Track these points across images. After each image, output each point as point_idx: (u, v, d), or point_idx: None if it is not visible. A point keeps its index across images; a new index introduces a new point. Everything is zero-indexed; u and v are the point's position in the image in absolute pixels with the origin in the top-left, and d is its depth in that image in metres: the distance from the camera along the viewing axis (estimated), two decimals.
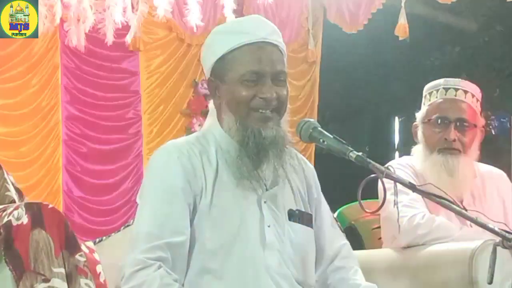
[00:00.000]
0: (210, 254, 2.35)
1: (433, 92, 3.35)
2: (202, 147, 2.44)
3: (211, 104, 2.55)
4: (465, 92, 3.31)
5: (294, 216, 2.48)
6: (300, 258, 2.45)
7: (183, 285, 2.33)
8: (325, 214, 2.63)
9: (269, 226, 2.41)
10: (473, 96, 3.32)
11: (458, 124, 3.26)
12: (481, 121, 3.35)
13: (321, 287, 2.56)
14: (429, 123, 3.31)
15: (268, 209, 2.42)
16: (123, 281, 2.31)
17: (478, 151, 3.34)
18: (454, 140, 3.25)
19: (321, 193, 2.64)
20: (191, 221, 2.36)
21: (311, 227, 2.53)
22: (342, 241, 2.64)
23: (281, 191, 2.47)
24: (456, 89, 3.31)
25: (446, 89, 3.33)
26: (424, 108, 3.36)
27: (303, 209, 2.52)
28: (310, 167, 2.64)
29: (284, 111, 2.45)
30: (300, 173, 2.57)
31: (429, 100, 3.35)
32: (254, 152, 2.38)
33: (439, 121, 3.28)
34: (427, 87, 3.40)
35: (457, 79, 3.37)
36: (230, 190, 2.39)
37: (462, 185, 3.18)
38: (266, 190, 2.44)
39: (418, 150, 3.35)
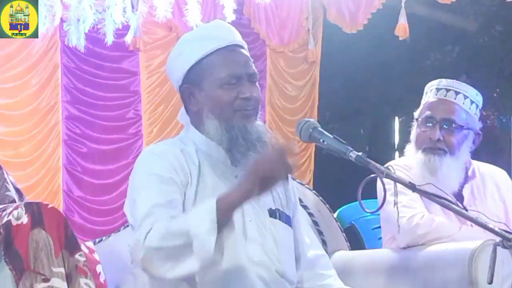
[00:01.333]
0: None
1: (428, 92, 3.37)
2: (182, 147, 2.49)
3: (183, 116, 2.57)
4: (457, 93, 3.31)
5: (274, 214, 2.53)
6: (282, 253, 2.49)
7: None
8: (303, 219, 2.72)
9: (250, 221, 2.46)
10: (465, 97, 3.31)
11: (444, 124, 3.27)
12: (476, 124, 3.33)
13: None
14: (419, 122, 3.32)
15: (249, 205, 2.44)
16: (134, 256, 2.33)
17: (469, 153, 3.34)
18: (439, 140, 3.25)
19: (297, 197, 2.69)
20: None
21: (291, 227, 2.58)
22: (320, 250, 2.71)
23: None
24: (448, 90, 3.32)
25: (438, 90, 3.33)
26: (420, 107, 3.38)
27: (282, 210, 2.56)
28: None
29: (259, 109, 2.52)
30: None
31: (424, 99, 3.37)
32: (245, 147, 2.43)
33: (427, 120, 3.29)
34: (426, 86, 3.41)
35: (452, 80, 3.37)
36: (212, 188, 2.44)
37: (446, 186, 3.16)
38: None
39: (409, 148, 3.37)
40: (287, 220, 2.57)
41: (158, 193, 2.36)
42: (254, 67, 2.52)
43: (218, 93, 2.45)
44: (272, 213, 2.52)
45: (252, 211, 2.47)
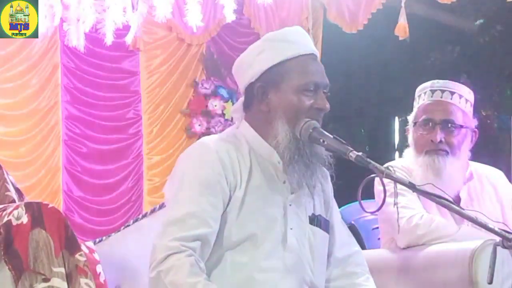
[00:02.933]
0: (233, 246, 2.39)
1: (421, 95, 3.37)
2: (236, 146, 2.48)
3: (235, 110, 2.56)
4: (452, 93, 3.31)
5: (315, 220, 2.54)
6: (316, 261, 2.51)
7: None
8: (337, 219, 2.67)
9: (291, 229, 2.47)
10: (460, 97, 3.32)
11: (444, 125, 3.27)
12: (472, 122, 3.34)
13: None
14: (417, 126, 3.32)
15: (293, 212, 2.48)
16: (153, 265, 2.32)
17: (469, 152, 3.34)
18: (440, 142, 3.25)
19: (334, 200, 2.69)
20: (223, 212, 2.40)
21: (328, 233, 2.59)
22: (355, 247, 2.67)
23: (304, 195, 2.52)
24: (443, 91, 3.32)
25: (433, 91, 3.33)
26: (413, 111, 3.38)
27: (322, 215, 2.57)
28: (326, 173, 2.66)
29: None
30: (319, 180, 2.60)
31: (418, 103, 3.37)
32: (305, 158, 2.44)
33: (425, 123, 3.29)
34: (417, 89, 3.41)
35: (445, 81, 3.37)
36: (260, 191, 2.45)
37: (449, 186, 3.17)
38: (291, 193, 2.49)
39: (408, 153, 3.36)
40: (326, 225, 2.58)
41: (195, 208, 2.36)
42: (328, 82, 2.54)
43: (295, 99, 2.46)
44: (313, 220, 2.54)
45: (295, 219, 2.48)
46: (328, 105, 2.49)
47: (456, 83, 3.38)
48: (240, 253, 2.38)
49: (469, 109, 3.34)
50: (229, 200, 2.41)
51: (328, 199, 2.64)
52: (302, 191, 2.51)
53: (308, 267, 2.47)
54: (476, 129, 3.35)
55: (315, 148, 2.45)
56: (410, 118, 3.38)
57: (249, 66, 2.53)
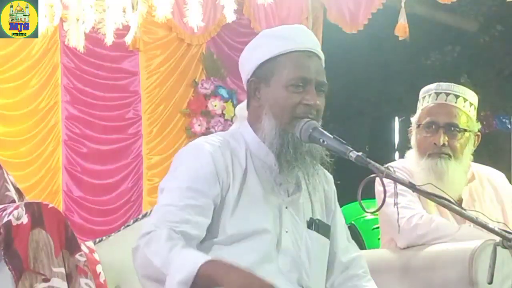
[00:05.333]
0: (227, 247, 2.37)
1: (426, 97, 3.36)
2: (232, 147, 2.46)
3: (240, 108, 2.55)
4: (457, 96, 3.31)
5: (314, 225, 2.51)
6: (313, 266, 2.47)
7: None
8: (340, 224, 2.64)
9: (286, 232, 2.44)
10: (465, 100, 3.31)
11: (447, 129, 3.27)
12: (475, 126, 3.34)
13: None
14: (420, 128, 3.32)
15: (289, 215, 2.45)
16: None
17: (471, 155, 3.34)
18: (443, 145, 3.25)
19: (338, 204, 2.65)
20: (214, 211, 2.38)
21: (328, 238, 2.55)
22: (357, 252, 2.65)
23: (302, 199, 2.50)
24: (447, 94, 3.31)
25: (437, 94, 3.33)
26: (417, 112, 3.37)
27: (321, 219, 2.54)
28: (328, 177, 2.64)
29: (319, 122, 2.48)
30: (319, 184, 2.58)
31: (422, 105, 3.37)
32: (293, 158, 2.41)
33: (429, 126, 3.29)
34: (421, 91, 3.40)
35: (450, 84, 3.36)
36: (255, 193, 2.42)
37: (451, 189, 3.16)
38: (288, 196, 2.47)
39: (411, 154, 3.36)
40: (326, 230, 2.54)
41: (184, 206, 2.33)
42: (326, 80, 2.49)
43: (283, 94, 2.42)
44: (311, 224, 2.50)
45: (290, 222, 2.45)
46: (318, 102, 2.43)
47: (461, 86, 3.37)
48: (234, 255, 2.36)
49: (473, 113, 3.33)
50: (222, 201, 2.39)
51: (330, 204, 2.60)
52: (299, 195, 2.49)
53: (304, 272, 2.44)
54: (479, 133, 3.35)
55: (300, 145, 2.40)
56: (414, 119, 3.37)
57: (246, 62, 2.52)
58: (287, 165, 2.42)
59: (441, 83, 3.36)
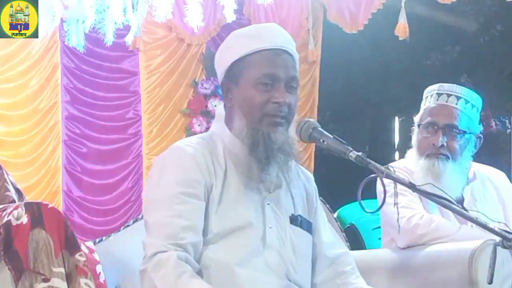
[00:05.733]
0: (214, 244, 2.37)
1: (428, 97, 3.36)
2: (210, 148, 2.47)
3: (219, 108, 2.57)
4: (458, 98, 3.30)
5: (296, 220, 2.52)
6: (299, 261, 2.48)
7: None
8: (322, 220, 2.66)
9: (270, 227, 2.45)
10: (467, 102, 3.31)
11: (447, 130, 3.26)
12: (477, 128, 3.33)
13: None
14: (421, 128, 3.32)
15: (271, 211, 2.46)
16: (144, 260, 2.32)
17: (471, 158, 3.34)
18: (442, 146, 3.25)
19: (319, 201, 2.67)
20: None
21: (311, 233, 2.57)
22: (343, 249, 2.66)
23: (283, 195, 2.51)
24: (449, 95, 3.31)
25: (439, 95, 3.33)
26: (420, 112, 3.37)
27: (303, 215, 2.55)
28: (308, 174, 2.67)
29: (292, 119, 2.47)
30: (299, 181, 2.60)
31: (424, 105, 3.37)
32: (264, 156, 2.41)
33: (428, 126, 3.29)
34: (425, 91, 3.40)
35: (452, 85, 3.36)
36: (237, 191, 2.43)
37: (448, 190, 3.16)
38: (270, 192, 2.47)
39: (411, 154, 3.36)
40: (308, 226, 2.55)
41: (179, 214, 2.34)
42: (296, 74, 2.47)
43: (251, 93, 2.42)
44: (294, 220, 2.51)
45: (273, 218, 2.46)
46: (288, 100, 2.41)
47: (464, 87, 3.36)
48: (221, 252, 2.37)
49: (475, 115, 3.32)
50: (207, 200, 2.39)
51: (312, 200, 2.62)
52: (280, 191, 2.50)
53: (291, 266, 2.44)
54: (481, 135, 3.34)
55: (271, 143, 2.40)
56: (416, 119, 3.37)
57: (218, 64, 2.54)
58: (260, 163, 2.42)
59: (444, 84, 3.36)
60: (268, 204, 2.46)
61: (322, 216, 2.66)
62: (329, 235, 2.64)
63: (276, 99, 2.41)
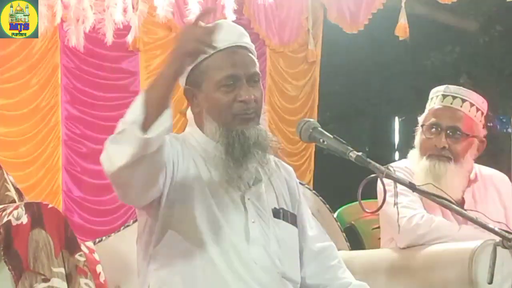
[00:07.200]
0: (198, 250, 2.37)
1: (433, 98, 3.36)
2: (188, 147, 2.48)
3: (188, 113, 2.57)
4: (463, 100, 3.30)
5: (279, 214, 2.52)
6: (285, 254, 2.48)
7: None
8: (306, 213, 2.66)
9: (253, 222, 2.44)
10: (472, 105, 3.30)
11: (450, 132, 3.26)
12: (481, 132, 3.32)
13: (310, 286, 2.58)
14: (424, 129, 3.31)
15: (252, 206, 2.46)
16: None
17: (472, 161, 3.33)
18: (444, 148, 3.24)
19: (302, 195, 2.67)
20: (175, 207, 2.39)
21: (296, 226, 2.56)
22: (327, 242, 2.66)
23: (264, 190, 2.50)
24: (454, 97, 3.31)
25: (444, 96, 3.32)
26: (425, 112, 3.37)
27: (286, 209, 2.55)
28: (288, 168, 2.66)
29: (261, 111, 2.48)
30: (279, 174, 2.60)
31: (429, 105, 3.36)
32: (241, 154, 2.42)
33: (432, 127, 3.29)
34: (432, 91, 3.39)
35: (458, 87, 3.35)
36: (215, 189, 2.43)
37: (449, 192, 3.15)
38: (249, 187, 2.47)
39: (413, 154, 3.35)
40: (292, 219, 2.55)
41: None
42: (256, 68, 2.47)
43: (216, 96, 2.43)
44: (276, 213, 2.51)
45: (255, 212, 2.46)
46: (255, 95, 2.43)
47: (470, 90, 3.35)
48: (207, 252, 2.36)
49: (480, 118, 3.32)
50: (179, 189, 2.39)
51: (295, 193, 2.61)
52: (260, 185, 2.49)
53: (277, 260, 2.44)
54: (484, 139, 3.34)
55: (246, 139, 2.41)
56: (420, 119, 3.36)
57: None
58: (238, 161, 2.42)
59: (450, 86, 3.35)
60: (249, 199, 2.46)
61: (306, 210, 2.66)
62: (313, 229, 2.64)
63: (242, 97, 2.42)
